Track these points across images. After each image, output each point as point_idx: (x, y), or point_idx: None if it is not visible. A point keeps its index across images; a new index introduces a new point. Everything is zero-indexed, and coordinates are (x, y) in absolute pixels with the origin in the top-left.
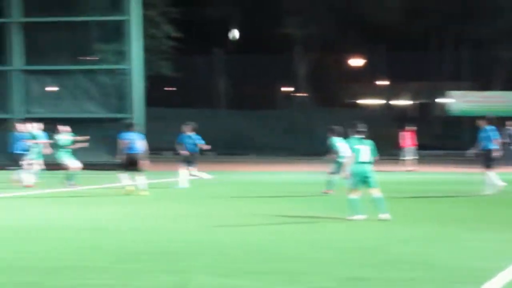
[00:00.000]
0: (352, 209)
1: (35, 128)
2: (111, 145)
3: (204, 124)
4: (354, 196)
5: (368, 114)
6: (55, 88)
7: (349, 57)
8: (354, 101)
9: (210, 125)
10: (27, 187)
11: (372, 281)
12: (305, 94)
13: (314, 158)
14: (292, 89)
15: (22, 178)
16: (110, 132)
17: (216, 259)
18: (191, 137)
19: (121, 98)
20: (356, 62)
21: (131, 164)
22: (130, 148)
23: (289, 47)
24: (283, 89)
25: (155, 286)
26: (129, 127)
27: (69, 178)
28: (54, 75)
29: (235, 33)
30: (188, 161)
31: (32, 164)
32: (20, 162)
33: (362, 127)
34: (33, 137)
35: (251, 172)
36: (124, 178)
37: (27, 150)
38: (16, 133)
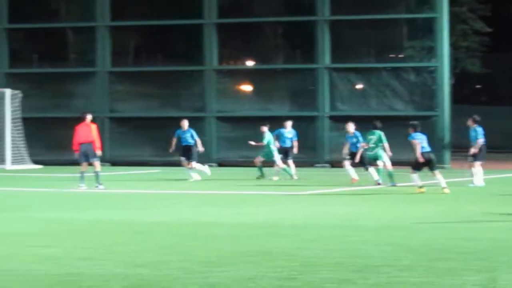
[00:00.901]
0: None
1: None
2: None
3: None
4: None
5: None
6: (361, 86)
7: None
8: None
9: None
10: (353, 181)
11: None
12: None
13: None
14: None
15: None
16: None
17: None
18: (476, 131)
19: (428, 96)
20: None
21: (423, 164)
22: (421, 148)
23: None
24: None
25: (462, 285)
26: (415, 127)
27: (389, 177)
28: (360, 73)
29: None
30: (477, 155)
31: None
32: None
33: None
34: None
35: None
36: (416, 178)
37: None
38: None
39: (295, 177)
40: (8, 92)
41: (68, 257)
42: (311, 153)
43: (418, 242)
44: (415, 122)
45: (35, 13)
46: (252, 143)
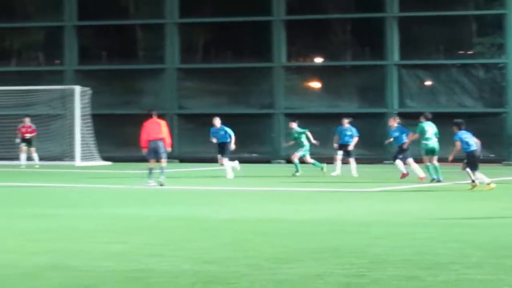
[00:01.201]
0: None
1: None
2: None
3: None
4: None
5: None
6: (430, 82)
7: None
8: None
9: None
10: (421, 179)
11: None
12: None
13: None
14: None
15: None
16: (487, 127)
17: None
18: None
19: (498, 92)
20: None
21: (475, 162)
22: (469, 146)
23: None
24: None
25: None
26: (459, 125)
27: (433, 172)
28: (429, 69)
29: None
30: None
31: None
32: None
33: None
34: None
35: None
36: (481, 177)
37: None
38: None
39: (355, 174)
40: (77, 89)
41: (136, 254)
42: (380, 150)
43: (485, 239)
44: (460, 120)
45: (104, 10)
46: (285, 143)
